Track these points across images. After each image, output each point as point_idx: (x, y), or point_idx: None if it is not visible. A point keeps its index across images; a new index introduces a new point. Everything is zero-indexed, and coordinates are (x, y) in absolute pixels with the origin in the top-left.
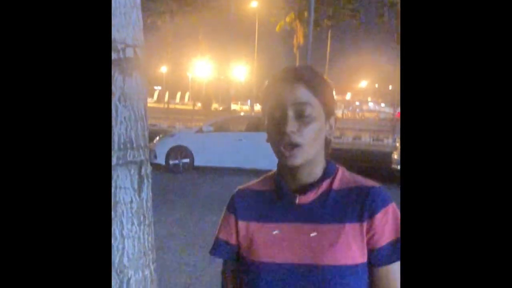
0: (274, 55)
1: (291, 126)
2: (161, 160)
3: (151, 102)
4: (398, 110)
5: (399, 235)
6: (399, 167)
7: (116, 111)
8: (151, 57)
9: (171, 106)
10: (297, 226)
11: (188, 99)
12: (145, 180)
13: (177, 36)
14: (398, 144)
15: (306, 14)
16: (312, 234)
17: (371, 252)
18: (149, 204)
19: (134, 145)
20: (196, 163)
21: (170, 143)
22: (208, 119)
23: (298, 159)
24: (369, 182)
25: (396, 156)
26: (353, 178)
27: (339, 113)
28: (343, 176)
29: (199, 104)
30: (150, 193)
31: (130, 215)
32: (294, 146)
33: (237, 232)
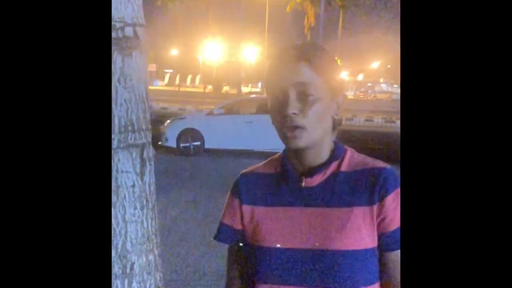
0: (285, 36)
1: (293, 107)
2: (172, 143)
3: (162, 85)
4: None
5: None
6: None
7: (116, 93)
8: (161, 39)
9: (182, 89)
10: (303, 210)
11: (199, 82)
12: (148, 164)
13: (188, 17)
14: None
15: None
16: (319, 218)
17: (381, 236)
18: (152, 188)
19: (135, 127)
20: (207, 146)
21: (181, 126)
22: (219, 102)
23: (301, 141)
24: (380, 163)
25: None
26: (362, 160)
27: (350, 94)
28: (352, 158)
29: (209, 87)
30: (153, 177)
31: (133, 199)
32: (297, 128)
33: (242, 217)
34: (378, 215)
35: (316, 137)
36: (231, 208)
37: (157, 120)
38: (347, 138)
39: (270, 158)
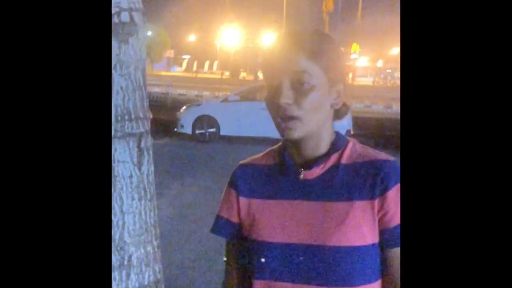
0: (303, 21)
1: (286, 97)
2: (187, 129)
3: (180, 71)
4: None
5: None
6: None
7: (113, 80)
8: (179, 25)
9: (200, 75)
10: (301, 203)
11: (217, 68)
12: (146, 153)
13: (205, 3)
14: None
15: None
16: (317, 212)
17: (382, 232)
18: (151, 178)
19: (133, 116)
20: (222, 133)
21: (196, 112)
22: (236, 88)
23: (296, 132)
24: (382, 156)
25: None
26: (364, 151)
27: (369, 81)
28: (353, 150)
29: (227, 73)
30: (152, 167)
31: (130, 190)
32: (291, 118)
33: (239, 210)
34: (379, 210)
35: (313, 128)
36: (228, 200)
37: (175, 107)
38: (365, 126)
39: (269, 149)
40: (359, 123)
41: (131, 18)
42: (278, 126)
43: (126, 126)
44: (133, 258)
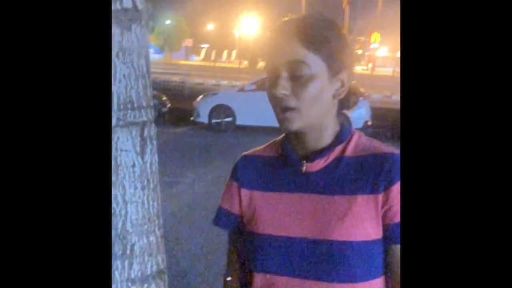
0: (322, 9)
1: (283, 88)
2: (204, 118)
3: (198, 60)
4: None
5: None
6: None
7: (115, 68)
8: (198, 14)
9: (218, 64)
10: (303, 196)
11: (235, 57)
12: (149, 143)
13: None
14: None
15: None
16: (319, 206)
17: (386, 228)
18: (154, 168)
19: (135, 105)
20: (238, 122)
21: (213, 102)
22: (254, 77)
23: (294, 123)
24: (388, 148)
25: None
26: (370, 144)
27: (389, 71)
28: (358, 142)
29: (245, 62)
30: (156, 156)
31: (133, 179)
32: (288, 109)
33: (240, 201)
34: (383, 205)
35: (313, 120)
36: (229, 192)
37: (192, 96)
38: (384, 117)
39: (272, 140)
40: (378, 114)
41: (134, 4)
42: (276, 117)
43: (128, 115)
44: (136, 248)
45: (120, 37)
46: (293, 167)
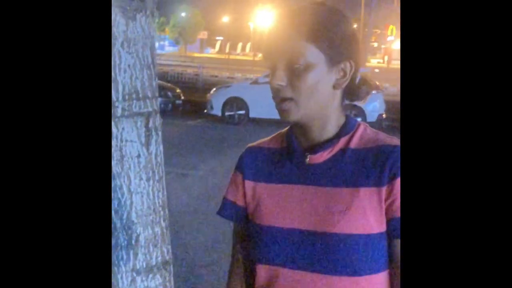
0: (338, 3)
1: (279, 79)
2: (217, 111)
3: (213, 53)
4: None
5: None
6: None
7: (119, 58)
8: (213, 6)
9: (232, 56)
10: (306, 188)
11: (249, 50)
12: (154, 133)
13: None
14: None
15: None
16: (322, 198)
17: (390, 221)
18: (159, 158)
19: (140, 95)
20: (251, 115)
21: (226, 94)
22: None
23: (292, 114)
24: (394, 141)
25: None
26: (376, 136)
27: None
28: (364, 134)
29: (259, 55)
30: (161, 147)
31: (138, 170)
32: (285, 100)
33: (244, 193)
34: (387, 198)
35: (311, 110)
36: (234, 183)
37: (206, 88)
38: (398, 110)
39: (278, 132)
40: (393, 107)
41: None
42: (276, 108)
43: (133, 105)
44: (141, 238)
45: (125, 27)
46: (297, 159)
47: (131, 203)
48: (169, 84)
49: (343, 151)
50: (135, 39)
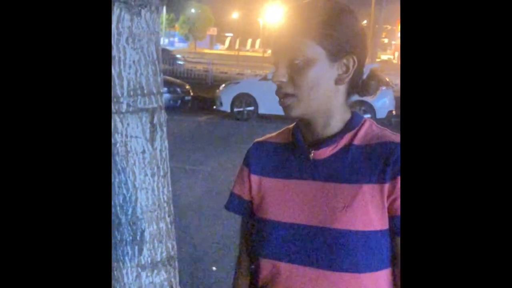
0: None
1: (280, 75)
2: (226, 107)
3: (222, 49)
4: None
5: None
6: None
7: (124, 54)
8: (223, 3)
9: (242, 53)
10: (309, 183)
11: (259, 46)
12: (159, 129)
13: None
14: None
15: None
16: (324, 194)
17: (392, 219)
18: (164, 154)
19: (145, 91)
20: (260, 111)
21: (235, 90)
22: None
23: (294, 109)
24: (398, 138)
25: None
26: (381, 133)
27: None
28: (369, 130)
29: (269, 51)
30: (166, 143)
31: (143, 165)
32: (286, 96)
33: (250, 187)
34: (389, 195)
35: (313, 106)
36: (241, 177)
37: (216, 85)
38: None
39: (285, 127)
40: None
41: None
42: (279, 104)
43: (138, 101)
44: (146, 234)
45: (129, 23)
46: (301, 154)
47: (136, 198)
48: (178, 80)
49: (347, 147)
50: (140, 34)
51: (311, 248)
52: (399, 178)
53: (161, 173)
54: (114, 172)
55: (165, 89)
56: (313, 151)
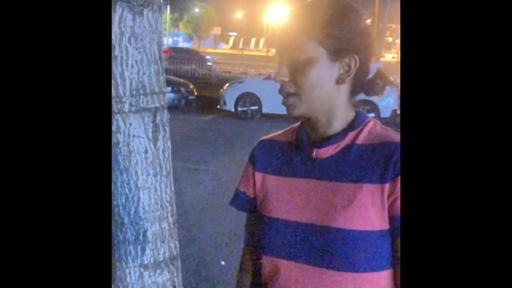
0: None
1: (282, 74)
2: (230, 106)
3: (226, 48)
4: None
5: None
6: None
7: (127, 54)
8: (226, 2)
9: (245, 52)
10: (311, 182)
11: (263, 45)
12: (161, 129)
13: None
14: None
15: None
16: (325, 193)
17: (392, 219)
18: (167, 154)
19: (148, 90)
20: (264, 110)
21: (239, 90)
22: None
23: (295, 109)
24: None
25: None
26: (384, 133)
27: None
28: (372, 130)
29: (273, 50)
30: (168, 143)
31: (145, 165)
32: (289, 95)
33: (254, 184)
34: (389, 195)
35: (314, 105)
36: (246, 175)
37: (220, 84)
38: None
39: (290, 126)
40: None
41: None
42: (282, 103)
43: (141, 101)
44: (148, 234)
45: (132, 22)
46: (304, 153)
47: (139, 198)
48: (182, 80)
49: (349, 146)
50: (142, 34)
51: (310, 246)
52: (399, 178)
53: (164, 173)
54: (116, 172)
55: (169, 88)
56: (315, 149)
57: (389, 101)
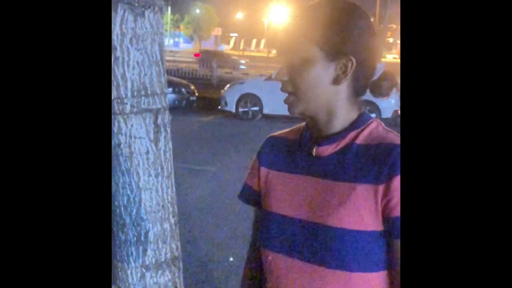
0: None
1: (282, 74)
2: (231, 107)
3: (227, 49)
4: None
5: None
6: None
7: (128, 55)
8: (227, 3)
9: (246, 53)
10: (310, 179)
11: (264, 46)
12: (162, 130)
13: None
14: None
15: None
16: (322, 191)
17: (385, 221)
18: (168, 155)
19: (149, 91)
20: (265, 111)
21: (240, 90)
22: None
23: (294, 107)
24: (399, 139)
25: None
26: (385, 134)
27: None
28: (374, 131)
29: (274, 51)
30: (170, 144)
31: (147, 166)
32: (289, 94)
33: (259, 179)
34: (383, 196)
35: (312, 105)
36: (253, 169)
37: (221, 85)
38: None
39: (299, 124)
40: None
41: None
42: (284, 102)
43: (142, 102)
44: (150, 235)
45: (133, 24)
46: (305, 151)
47: (140, 199)
48: (183, 81)
49: (349, 146)
50: (144, 35)
51: (306, 243)
52: (394, 179)
53: (165, 174)
54: (118, 173)
55: (170, 89)
56: (315, 147)
57: (390, 101)
